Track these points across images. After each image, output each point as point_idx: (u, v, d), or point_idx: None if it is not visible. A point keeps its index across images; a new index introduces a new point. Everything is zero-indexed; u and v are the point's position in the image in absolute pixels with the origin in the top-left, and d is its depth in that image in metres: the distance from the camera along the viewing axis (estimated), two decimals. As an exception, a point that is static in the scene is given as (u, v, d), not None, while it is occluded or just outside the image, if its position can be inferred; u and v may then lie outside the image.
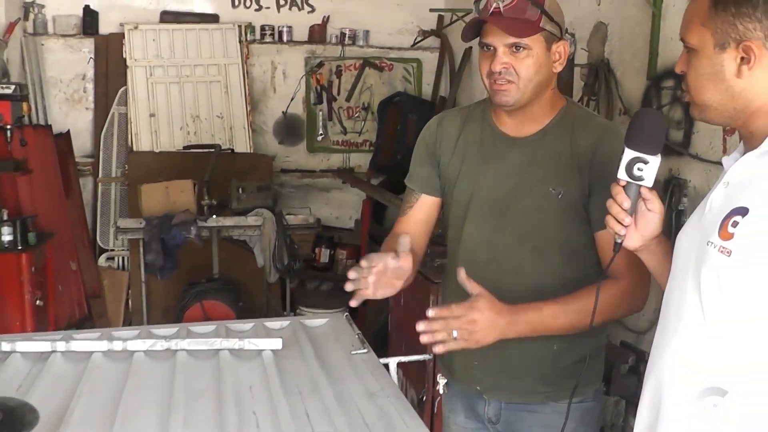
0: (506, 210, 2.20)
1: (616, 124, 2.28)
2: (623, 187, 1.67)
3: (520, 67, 2.06)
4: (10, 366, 2.33)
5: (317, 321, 2.79)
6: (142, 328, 2.76)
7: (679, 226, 3.39)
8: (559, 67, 2.16)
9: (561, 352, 2.19)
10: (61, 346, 2.42)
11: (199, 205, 5.37)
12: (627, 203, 1.67)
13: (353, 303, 1.97)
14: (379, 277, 1.97)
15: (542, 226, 2.14)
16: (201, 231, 5.21)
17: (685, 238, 1.63)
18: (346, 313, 2.83)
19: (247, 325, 2.72)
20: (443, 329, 1.93)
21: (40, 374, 2.25)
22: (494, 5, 2.04)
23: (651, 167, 1.62)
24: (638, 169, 1.61)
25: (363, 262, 1.98)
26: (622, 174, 1.65)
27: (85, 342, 2.47)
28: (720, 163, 2.87)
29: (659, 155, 1.63)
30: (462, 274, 2.00)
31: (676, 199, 3.49)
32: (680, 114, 3.58)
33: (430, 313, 1.94)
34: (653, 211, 1.69)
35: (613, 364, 3.33)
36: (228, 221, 5.31)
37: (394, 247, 2.01)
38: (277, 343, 2.42)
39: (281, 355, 2.40)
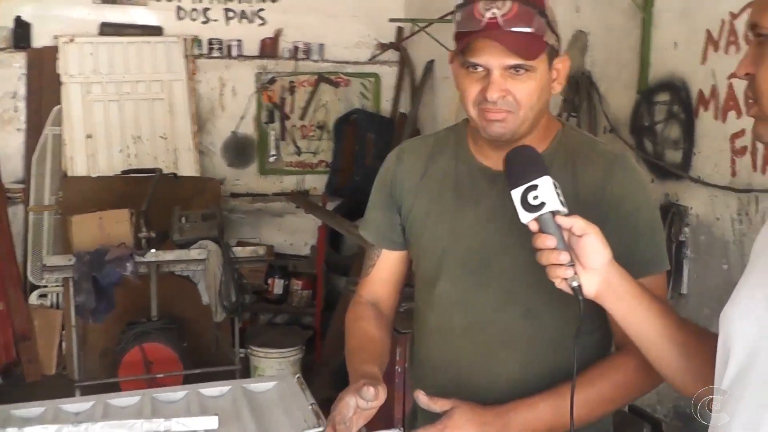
0: (489, 263, 1.78)
1: (624, 152, 1.87)
2: (538, 230, 1.42)
3: (520, 93, 1.65)
4: None
5: (264, 385, 2.45)
6: (48, 404, 2.35)
7: (680, 259, 3.06)
8: (558, 87, 1.76)
9: None
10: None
11: (136, 237, 4.88)
12: (551, 240, 1.40)
13: None
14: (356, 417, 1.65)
15: (536, 283, 1.64)
16: (138, 267, 4.72)
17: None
18: (298, 375, 2.47)
19: (178, 393, 2.39)
20: None
21: None
22: (489, 14, 1.61)
23: (544, 188, 1.42)
24: (533, 198, 1.42)
25: (338, 418, 1.63)
26: (524, 216, 1.43)
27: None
28: (730, 188, 2.41)
29: (546, 175, 1.43)
30: (422, 399, 1.66)
31: (677, 229, 3.16)
32: (678, 132, 3.25)
33: None
34: (585, 234, 1.40)
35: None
36: (168, 255, 4.84)
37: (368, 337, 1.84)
38: (212, 422, 2.08)
39: (217, 436, 2.07)
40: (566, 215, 1.41)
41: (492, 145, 1.77)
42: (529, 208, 1.42)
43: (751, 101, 1.23)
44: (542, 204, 1.41)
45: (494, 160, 1.77)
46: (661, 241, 1.77)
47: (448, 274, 1.83)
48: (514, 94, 1.64)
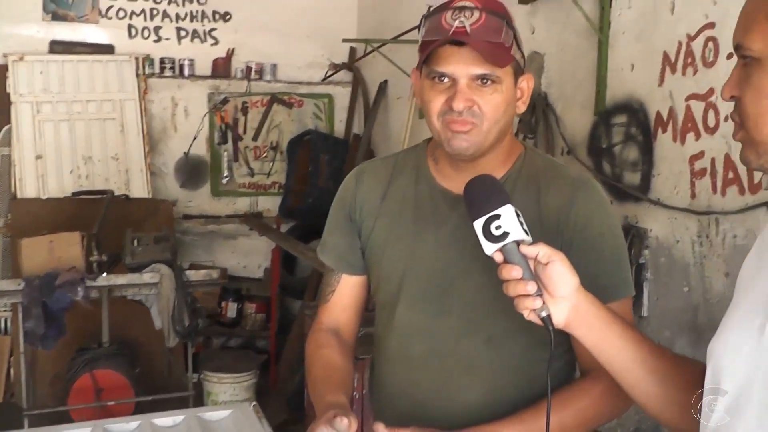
0: (450, 289, 1.74)
1: (589, 175, 1.91)
2: (503, 260, 1.39)
3: (486, 105, 1.62)
4: None
5: (219, 413, 2.37)
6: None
7: (640, 282, 3.06)
8: (522, 107, 1.73)
9: None
10: None
11: (88, 261, 4.76)
12: (517, 271, 1.36)
13: None
14: None
15: (498, 309, 1.62)
16: (89, 292, 4.59)
17: None
18: (254, 403, 2.37)
19: (131, 424, 2.30)
20: None
21: None
22: (457, 22, 1.58)
23: (506, 218, 1.39)
24: (496, 228, 1.38)
25: None
26: (488, 248, 1.39)
27: None
28: (690, 210, 2.40)
29: (507, 204, 1.40)
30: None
31: (636, 252, 3.12)
32: (636, 154, 3.22)
33: None
34: (551, 261, 1.36)
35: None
36: (120, 279, 4.72)
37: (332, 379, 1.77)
38: (166, 455, 1.97)
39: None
40: (531, 243, 1.38)
41: (453, 166, 1.74)
42: (492, 238, 1.38)
43: (737, 125, 1.20)
44: (505, 234, 1.38)
45: (455, 183, 1.74)
46: (627, 266, 1.74)
47: (408, 299, 1.79)
48: (480, 106, 1.61)
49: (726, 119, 2.68)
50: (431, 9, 1.65)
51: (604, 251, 1.69)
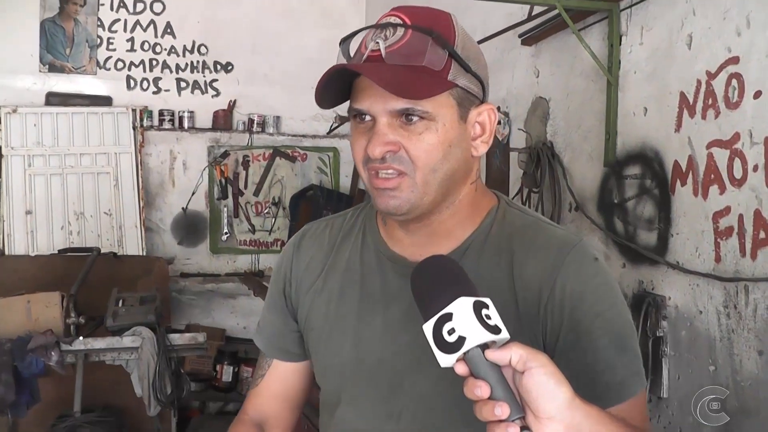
0: (401, 386, 1.36)
1: (579, 236, 1.42)
2: (468, 372, 1.03)
3: (415, 149, 1.24)
4: None
5: None
6: None
7: (658, 358, 2.68)
8: (483, 147, 1.34)
9: None
10: None
11: (65, 323, 4.45)
12: (484, 387, 1.00)
13: None
14: None
15: (458, 411, 1.25)
16: (65, 356, 4.28)
17: None
18: None
19: None
20: None
21: None
22: (371, 44, 1.24)
23: (461, 316, 1.04)
24: (448, 332, 1.03)
25: None
26: (443, 359, 1.04)
27: None
28: (714, 276, 2.04)
29: (461, 296, 1.04)
30: None
31: (653, 323, 2.75)
32: (652, 210, 2.86)
33: None
34: (528, 369, 1.01)
35: None
36: (98, 343, 4.41)
37: None
38: None
39: None
40: (504, 344, 1.03)
41: (403, 228, 1.38)
42: (445, 346, 1.04)
43: None
44: (461, 339, 1.03)
45: (408, 247, 1.38)
46: (635, 354, 1.31)
47: (350, 398, 1.42)
48: (408, 149, 1.24)
49: (755, 169, 2.30)
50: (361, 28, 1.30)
51: (603, 337, 1.27)
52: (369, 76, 1.19)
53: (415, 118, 1.23)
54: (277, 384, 1.58)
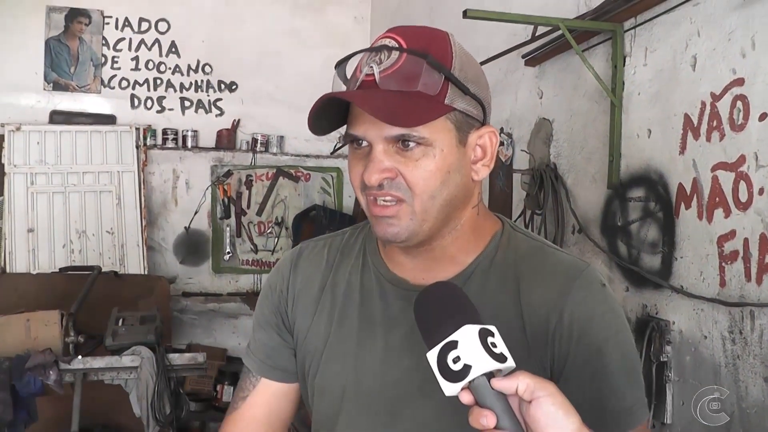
0: (402, 412, 1.32)
1: (587, 262, 1.38)
2: (474, 401, 1.01)
3: (413, 176, 1.20)
4: None
5: None
6: None
7: (662, 383, 2.64)
8: (484, 171, 1.30)
9: None
10: None
11: (64, 342, 4.42)
12: (490, 417, 0.99)
13: None
14: None
15: None
16: (63, 375, 4.24)
17: None
18: None
19: None
20: None
21: None
22: (366, 69, 1.20)
23: (467, 343, 1.02)
24: (453, 361, 1.02)
25: None
26: (448, 388, 1.02)
27: None
28: (719, 301, 2.00)
29: (466, 323, 1.03)
30: None
31: (657, 348, 2.70)
32: (656, 233, 2.81)
33: None
34: (536, 399, 0.99)
35: None
36: (97, 363, 4.36)
37: None
38: None
39: None
40: (510, 372, 1.01)
41: (404, 252, 1.34)
42: (450, 375, 1.02)
43: None
44: (467, 368, 1.01)
45: (410, 270, 1.34)
46: (640, 382, 1.30)
47: (347, 423, 1.37)
48: (405, 176, 1.20)
49: (761, 192, 2.26)
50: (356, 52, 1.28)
51: (612, 364, 1.24)
52: (360, 106, 1.17)
53: (411, 144, 1.19)
54: (260, 408, 1.50)
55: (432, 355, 1.04)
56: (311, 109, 1.21)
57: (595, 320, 1.25)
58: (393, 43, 1.20)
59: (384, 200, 1.22)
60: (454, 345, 1.02)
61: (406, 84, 1.18)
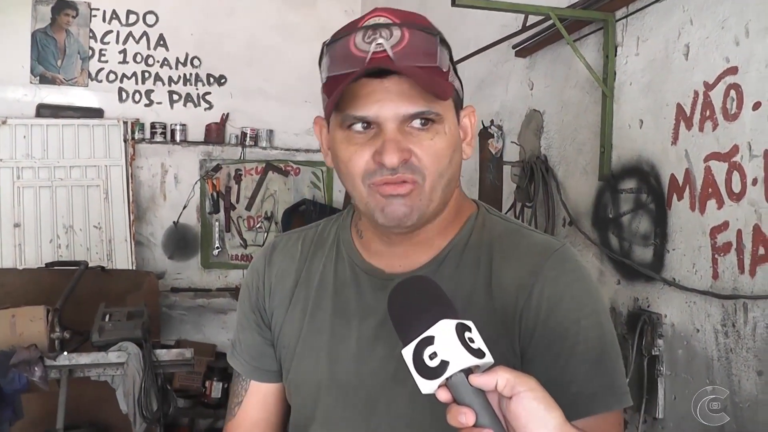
0: (378, 403, 1.28)
1: (562, 242, 1.34)
2: (451, 399, 0.98)
3: (427, 155, 1.18)
4: None
5: None
6: None
7: (653, 377, 2.59)
8: (469, 151, 1.30)
9: None
10: None
11: (50, 338, 4.38)
12: (469, 414, 0.95)
13: None
14: None
15: (438, 428, 1.14)
16: (49, 372, 4.19)
17: None
18: None
19: None
20: None
21: None
22: (373, 46, 1.15)
23: (444, 339, 0.98)
24: (430, 357, 0.98)
25: None
26: (425, 386, 0.98)
27: None
28: (712, 293, 1.97)
29: (443, 318, 0.99)
30: None
31: (648, 341, 2.66)
32: (647, 225, 2.77)
33: None
34: (516, 395, 0.95)
35: None
36: (83, 359, 4.32)
37: None
38: None
39: None
40: (490, 368, 0.97)
41: (384, 241, 1.30)
42: (426, 372, 0.98)
43: None
44: (443, 364, 0.97)
45: (386, 259, 1.31)
46: (614, 367, 1.23)
47: (325, 417, 1.33)
48: (419, 156, 1.17)
49: (754, 182, 2.22)
50: (334, 35, 1.22)
51: (579, 345, 1.19)
52: (408, 74, 1.13)
53: (428, 123, 1.16)
54: (256, 411, 1.48)
55: (407, 352, 1.00)
56: (331, 83, 1.17)
57: (565, 300, 1.21)
58: (387, 20, 1.17)
59: (397, 182, 1.18)
60: (430, 340, 0.98)
61: (425, 59, 1.15)
